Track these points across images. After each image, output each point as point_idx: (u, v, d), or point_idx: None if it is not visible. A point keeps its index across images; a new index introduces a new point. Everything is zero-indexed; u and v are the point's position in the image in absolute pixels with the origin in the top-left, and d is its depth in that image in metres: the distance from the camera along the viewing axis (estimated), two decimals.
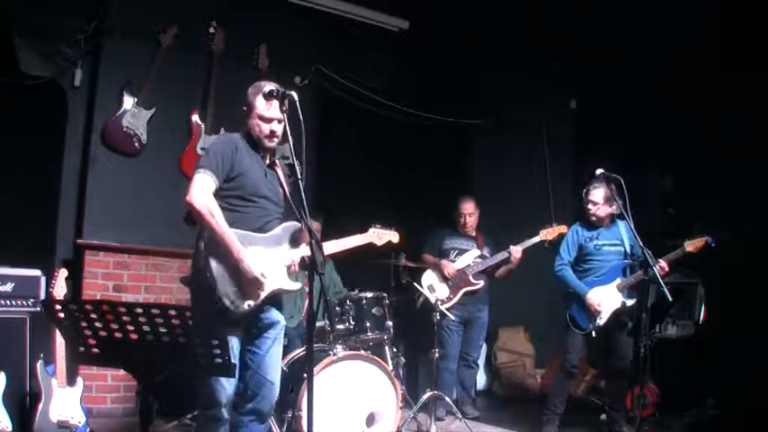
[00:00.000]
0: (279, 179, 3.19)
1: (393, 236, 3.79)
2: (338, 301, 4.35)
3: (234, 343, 2.94)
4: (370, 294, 4.33)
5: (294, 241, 3.19)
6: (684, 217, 5.66)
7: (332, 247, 3.47)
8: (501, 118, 6.73)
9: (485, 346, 6.00)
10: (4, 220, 4.46)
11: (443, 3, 5.81)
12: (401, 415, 4.12)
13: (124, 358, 2.26)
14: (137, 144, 4.97)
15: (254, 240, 3.02)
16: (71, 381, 3.73)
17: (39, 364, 3.66)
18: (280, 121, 3.07)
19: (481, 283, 5.23)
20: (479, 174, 6.96)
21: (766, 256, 4.79)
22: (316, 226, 4.29)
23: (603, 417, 4.89)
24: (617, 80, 6.15)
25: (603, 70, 6.28)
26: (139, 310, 2.10)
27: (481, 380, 6.27)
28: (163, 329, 2.12)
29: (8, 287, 3.87)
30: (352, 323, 4.20)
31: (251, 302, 2.98)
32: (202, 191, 2.91)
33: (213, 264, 2.90)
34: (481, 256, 5.29)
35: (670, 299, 3.84)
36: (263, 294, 3.00)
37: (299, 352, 4.05)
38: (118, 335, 2.15)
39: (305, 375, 2.71)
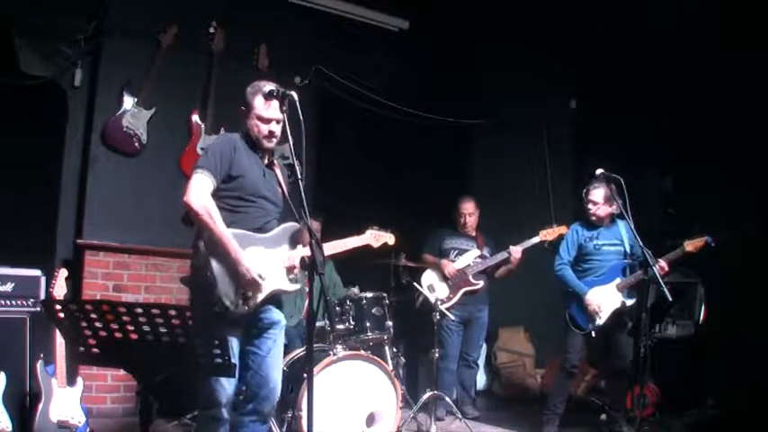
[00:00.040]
0: (277, 179, 3.19)
1: (389, 238, 3.80)
2: (338, 301, 4.35)
3: (234, 343, 2.94)
4: (370, 294, 4.34)
5: (293, 242, 3.19)
6: (684, 217, 5.65)
7: (329, 248, 3.47)
8: (501, 118, 6.73)
9: (485, 346, 6.00)
10: (4, 220, 4.46)
11: (443, 3, 5.81)
12: (401, 415, 4.12)
13: (124, 358, 2.26)
14: (137, 144, 4.97)
15: (254, 241, 3.02)
16: (71, 381, 3.73)
17: (39, 364, 3.66)
18: (278, 122, 3.07)
19: (481, 283, 5.23)
20: (479, 174, 6.96)
21: (766, 256, 4.79)
22: (315, 226, 4.28)
23: (603, 417, 4.89)
24: (617, 80, 6.15)
25: (603, 70, 6.28)
26: (139, 310, 2.10)
27: (481, 380, 6.27)
28: (163, 329, 2.12)
29: (8, 287, 3.87)
30: (352, 323, 4.20)
31: (250, 303, 2.98)
32: (200, 191, 2.90)
33: (214, 264, 2.90)
34: (481, 256, 5.29)
35: (670, 299, 3.84)
36: (260, 296, 3.00)
37: (299, 352, 4.05)
38: (118, 335, 2.15)
39: (305, 375, 2.71)
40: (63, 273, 3.84)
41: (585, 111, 6.80)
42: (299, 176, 2.76)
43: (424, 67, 6.39)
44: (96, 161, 4.88)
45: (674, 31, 5.26)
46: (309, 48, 5.79)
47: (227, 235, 2.90)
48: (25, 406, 3.71)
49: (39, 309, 3.86)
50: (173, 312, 2.09)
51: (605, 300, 4.34)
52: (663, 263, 4.12)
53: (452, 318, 5.04)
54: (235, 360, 2.83)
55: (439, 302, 4.66)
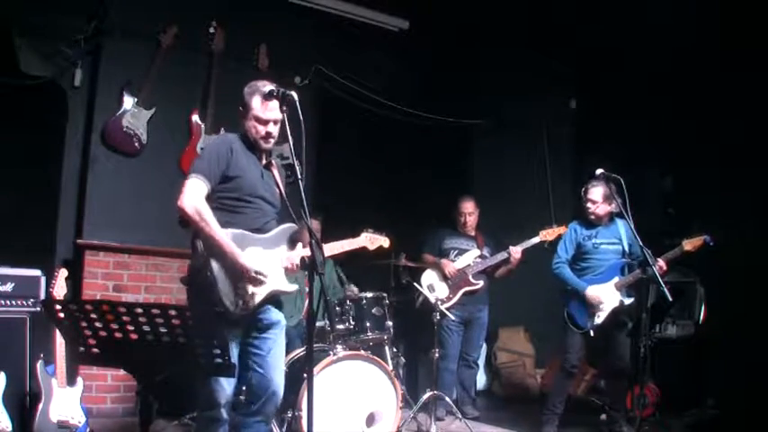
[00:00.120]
0: (275, 179, 3.19)
1: (384, 241, 3.81)
2: (338, 301, 4.35)
3: (233, 343, 2.94)
4: (370, 294, 4.34)
5: (292, 242, 3.19)
6: (684, 217, 5.66)
7: (325, 250, 3.47)
8: (501, 118, 6.73)
9: (485, 346, 6.00)
10: (4, 220, 4.46)
11: (443, 3, 5.81)
12: (401, 415, 4.12)
13: (124, 358, 2.26)
14: (137, 144, 4.97)
15: (253, 241, 3.03)
16: (71, 381, 3.73)
17: (39, 364, 3.66)
18: (276, 123, 3.06)
19: (481, 283, 5.24)
20: (479, 174, 6.96)
21: (766, 256, 4.79)
22: (315, 225, 4.29)
23: (603, 417, 4.89)
24: (617, 80, 6.15)
25: (603, 70, 6.28)
26: (139, 310, 2.10)
27: (481, 380, 6.27)
28: (163, 329, 2.12)
29: (8, 287, 3.87)
30: (352, 323, 4.20)
31: (250, 303, 2.98)
32: (192, 195, 2.90)
33: (213, 264, 2.90)
34: (481, 256, 5.29)
35: (670, 299, 3.84)
36: (259, 297, 3.00)
37: (299, 352, 4.05)
38: (118, 335, 2.15)
39: (305, 375, 2.71)
40: (63, 273, 3.84)
41: (585, 111, 6.80)
42: (299, 176, 2.75)
43: (424, 67, 6.39)
44: (96, 161, 4.88)
45: (674, 31, 5.26)
46: (309, 48, 5.79)
47: (223, 235, 2.90)
48: (25, 406, 3.71)
49: (39, 309, 3.86)
50: (173, 312, 2.09)
51: (604, 298, 4.35)
52: (661, 262, 4.13)
53: (452, 318, 5.05)
54: (234, 360, 2.83)
55: (439, 302, 4.66)
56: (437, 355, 4.58)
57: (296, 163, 2.72)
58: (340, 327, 4.17)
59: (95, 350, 2.21)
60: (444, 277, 5.22)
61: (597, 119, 6.53)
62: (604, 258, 4.47)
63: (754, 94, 5.05)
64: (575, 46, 6.20)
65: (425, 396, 4.52)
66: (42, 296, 3.92)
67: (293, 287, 3.19)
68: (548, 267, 4.62)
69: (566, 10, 5.63)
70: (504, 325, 6.42)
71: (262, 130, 3.07)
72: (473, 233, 5.41)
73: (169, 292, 4.98)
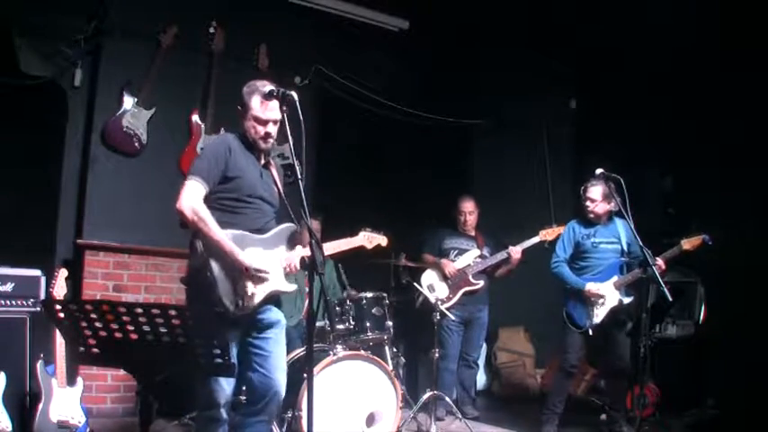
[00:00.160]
0: (273, 179, 3.19)
1: (382, 239, 3.81)
2: (338, 301, 4.35)
3: (232, 343, 2.94)
4: (370, 294, 4.33)
5: (291, 242, 3.19)
6: (684, 217, 5.66)
7: (323, 249, 3.47)
8: (501, 118, 6.73)
9: (485, 346, 6.00)
10: (4, 220, 4.46)
11: (443, 3, 5.81)
12: (401, 415, 4.12)
13: (124, 358, 2.26)
14: (137, 144, 4.97)
15: (252, 242, 3.03)
16: (71, 381, 3.73)
17: (39, 364, 3.66)
18: (275, 123, 3.05)
19: (481, 282, 5.24)
20: (479, 174, 6.96)
21: (766, 256, 4.79)
22: (315, 225, 4.29)
23: (603, 417, 4.89)
24: (617, 80, 6.15)
25: (603, 70, 6.28)
26: (139, 310, 2.10)
27: (481, 380, 6.27)
28: (163, 329, 2.12)
29: (8, 287, 3.88)
30: (352, 323, 4.20)
31: (250, 304, 2.98)
32: (190, 197, 2.90)
33: (213, 264, 2.90)
34: (481, 256, 5.29)
35: (670, 299, 3.84)
36: (258, 298, 3.00)
37: (299, 352, 4.05)
38: (118, 335, 2.15)
39: (305, 375, 2.72)
40: (63, 273, 3.84)
41: (585, 111, 6.80)
42: (299, 176, 2.75)
43: (424, 67, 6.39)
44: (96, 161, 4.88)
45: (674, 31, 5.26)
46: (309, 48, 5.79)
47: (223, 236, 2.90)
48: (25, 406, 3.71)
49: (39, 309, 3.87)
50: (173, 312, 2.09)
51: (603, 295, 4.35)
52: (660, 261, 4.12)
53: (452, 318, 5.05)
54: (234, 360, 2.83)
55: (439, 302, 4.66)
56: (437, 355, 4.58)
57: (296, 163, 2.72)
58: (340, 327, 4.17)
59: (95, 350, 2.21)
60: (444, 277, 5.22)
61: (597, 119, 6.53)
62: (603, 257, 4.47)
63: (754, 94, 5.05)
64: (575, 46, 6.21)
65: (425, 396, 4.52)
66: (42, 296, 3.92)
67: (293, 287, 3.19)
68: (548, 267, 4.62)
69: (566, 10, 5.63)
70: (504, 325, 6.42)
71: (261, 130, 3.06)
72: (473, 233, 5.41)
73: (169, 292, 4.98)
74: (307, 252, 2.95)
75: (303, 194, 2.75)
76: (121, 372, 3.80)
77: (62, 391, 3.68)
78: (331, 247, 3.52)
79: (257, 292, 3.00)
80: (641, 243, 3.97)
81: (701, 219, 4.88)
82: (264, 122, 3.05)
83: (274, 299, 3.12)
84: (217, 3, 5.41)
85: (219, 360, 2.21)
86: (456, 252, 5.31)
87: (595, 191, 4.46)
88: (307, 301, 4.52)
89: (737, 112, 5.32)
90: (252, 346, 3.08)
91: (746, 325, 4.90)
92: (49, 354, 3.71)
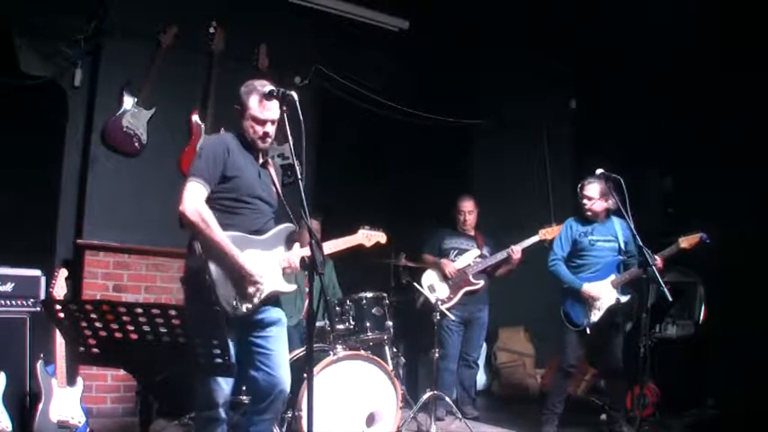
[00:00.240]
0: (272, 178, 3.18)
1: (381, 237, 3.80)
2: (338, 301, 4.35)
3: (231, 343, 2.93)
4: (370, 294, 4.33)
5: (289, 243, 3.19)
6: (684, 217, 5.66)
7: (323, 248, 3.47)
8: (501, 118, 6.73)
9: (485, 346, 6.00)
10: (4, 220, 4.46)
11: (443, 3, 5.81)
12: (401, 415, 4.12)
13: (124, 358, 2.26)
14: (137, 144, 4.97)
15: (251, 243, 3.02)
16: (71, 381, 3.73)
17: (39, 364, 3.66)
18: (273, 122, 3.05)
19: (481, 282, 5.24)
20: (479, 174, 6.96)
21: (766, 255, 4.79)
22: (315, 226, 4.29)
23: (603, 417, 4.89)
24: (617, 80, 6.15)
25: (603, 70, 6.28)
26: (139, 310, 2.10)
27: (481, 380, 6.27)
28: (163, 329, 2.12)
29: (8, 287, 3.88)
30: (352, 323, 4.20)
31: (249, 305, 2.98)
32: (194, 199, 2.90)
33: (212, 266, 2.90)
34: (481, 256, 5.29)
35: (670, 299, 3.84)
36: (257, 299, 3.00)
37: (298, 352, 4.05)
38: (118, 335, 2.15)
39: (305, 375, 2.72)
40: (63, 273, 3.84)
41: (585, 111, 6.80)
42: (299, 176, 2.75)
43: (424, 67, 6.39)
44: (96, 161, 4.88)
45: (674, 31, 5.26)
46: (309, 48, 5.79)
47: (225, 240, 2.91)
48: (25, 406, 3.71)
49: (39, 309, 3.87)
50: (173, 312, 2.09)
51: (600, 295, 4.35)
52: (657, 259, 4.12)
53: (452, 318, 5.05)
54: (233, 360, 2.83)
55: (439, 303, 4.66)
56: (437, 355, 4.58)
57: (296, 163, 2.72)
58: (340, 327, 4.17)
59: (95, 350, 2.21)
60: (444, 277, 5.21)
61: (597, 119, 6.53)
62: (600, 255, 4.47)
63: (754, 94, 5.05)
64: (575, 46, 6.20)
65: (425, 396, 4.52)
66: (42, 296, 3.92)
67: (292, 287, 3.19)
68: (546, 266, 4.62)
69: (566, 10, 5.63)
70: (504, 325, 6.42)
71: (259, 129, 3.05)
72: (473, 233, 5.41)
73: (169, 292, 4.98)
74: (306, 252, 2.95)
75: (303, 194, 2.75)
76: (121, 372, 3.80)
77: (62, 391, 3.68)
78: (330, 247, 3.52)
79: (256, 295, 3.00)
80: (641, 243, 3.97)
81: (701, 219, 4.87)
82: (263, 122, 3.04)
83: (273, 299, 3.12)
84: (217, 3, 5.41)
85: (219, 360, 2.21)
86: (456, 252, 5.31)
87: (592, 188, 4.46)
88: (307, 302, 4.52)
89: (737, 112, 5.32)
90: (254, 345, 3.08)
91: (746, 325, 4.90)
92: (49, 354, 3.71)
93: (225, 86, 5.11)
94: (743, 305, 5.03)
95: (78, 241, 4.78)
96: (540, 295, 5.60)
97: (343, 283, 5.14)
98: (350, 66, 6.05)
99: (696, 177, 5.83)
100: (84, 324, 2.15)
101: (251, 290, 2.97)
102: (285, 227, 3.16)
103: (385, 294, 4.40)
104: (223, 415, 3.00)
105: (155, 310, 2.09)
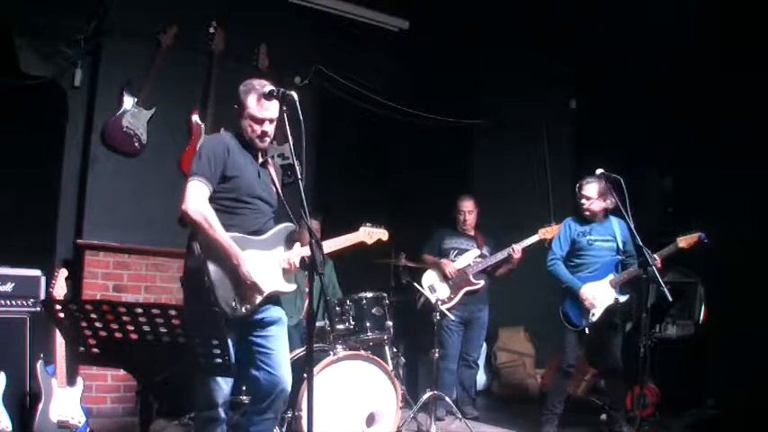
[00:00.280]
0: (272, 178, 3.18)
1: (383, 234, 3.78)
2: (338, 301, 4.35)
3: (231, 343, 2.93)
4: (370, 294, 4.33)
5: (289, 242, 3.19)
6: (684, 217, 5.66)
7: (324, 247, 3.46)
8: (501, 118, 6.73)
9: (485, 346, 6.00)
10: (4, 220, 4.46)
11: (443, 3, 5.81)
12: (401, 415, 4.12)
13: (124, 358, 2.26)
14: (137, 144, 4.97)
15: (250, 244, 3.02)
16: (71, 381, 3.73)
17: (39, 364, 3.66)
18: (272, 122, 3.05)
19: (482, 282, 5.24)
20: (479, 174, 6.96)
21: (766, 256, 4.79)
22: (314, 225, 4.29)
23: (603, 417, 4.89)
24: (617, 80, 6.15)
25: (603, 70, 6.28)
26: (139, 310, 2.10)
27: (481, 380, 6.27)
28: (163, 329, 2.12)
29: (8, 287, 3.87)
30: (352, 323, 4.20)
31: (248, 306, 2.98)
32: (197, 199, 2.90)
33: (211, 267, 2.90)
34: (481, 256, 5.29)
35: (670, 299, 3.84)
36: (257, 300, 3.00)
37: (298, 352, 4.05)
38: (118, 335, 2.15)
39: (305, 375, 2.72)
40: (63, 273, 3.84)
41: (585, 111, 6.80)
42: (299, 176, 2.75)
43: (424, 67, 6.39)
44: (96, 161, 4.88)
45: (674, 31, 5.26)
46: (309, 48, 5.79)
47: (228, 241, 2.91)
48: (25, 406, 3.71)
49: (39, 309, 3.86)
50: (173, 312, 2.09)
51: (599, 295, 4.35)
52: (657, 259, 4.12)
53: (453, 318, 5.05)
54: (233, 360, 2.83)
55: (440, 303, 4.66)
56: (437, 355, 4.58)
57: (296, 163, 2.71)
58: (340, 327, 4.17)
59: (95, 350, 2.21)
60: (445, 278, 5.21)
61: (597, 119, 6.53)
62: (599, 255, 4.47)
63: (754, 94, 5.05)
64: (575, 46, 6.20)
65: (425, 396, 4.52)
66: (42, 296, 3.92)
67: (292, 287, 3.19)
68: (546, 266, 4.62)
69: (566, 10, 5.63)
70: (504, 325, 6.42)
71: (257, 128, 3.05)
72: (472, 233, 5.41)
73: (169, 292, 4.98)
74: (306, 251, 2.95)
75: (303, 194, 2.75)
76: (121, 372, 3.80)
77: (62, 391, 3.68)
78: (332, 245, 3.52)
79: (255, 297, 3.00)
80: (641, 243, 3.97)
81: (701, 219, 4.88)
82: (261, 121, 3.04)
83: (274, 298, 3.12)
84: (217, 3, 5.41)
85: (219, 360, 2.21)
86: (456, 252, 5.31)
87: (591, 188, 4.46)
88: (306, 301, 4.52)
89: (737, 112, 5.32)
90: (255, 345, 3.08)
91: (746, 325, 4.90)
92: (49, 354, 3.71)
93: (225, 86, 5.11)
94: (743, 305, 5.03)
95: (78, 241, 4.78)
96: (540, 295, 5.59)
97: (343, 283, 5.14)
98: (350, 66, 6.05)
99: (696, 177, 5.83)
100: (84, 324, 2.15)
101: (249, 292, 2.97)
102: (285, 226, 3.16)
103: (385, 294, 4.40)
104: (222, 415, 3.00)
105: (155, 310, 2.09)
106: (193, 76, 5.24)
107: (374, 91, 6.14)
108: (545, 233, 5.04)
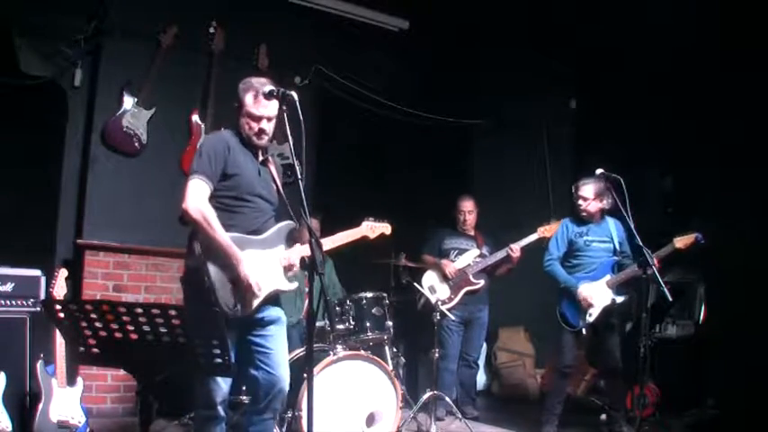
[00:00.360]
0: (272, 176, 3.18)
1: (386, 228, 3.76)
2: (338, 301, 4.35)
3: (231, 343, 2.93)
4: (370, 294, 4.33)
5: (290, 241, 3.18)
6: (684, 217, 5.66)
7: (327, 243, 3.46)
8: (501, 118, 6.73)
9: (485, 346, 6.00)
10: (4, 220, 4.46)
11: (443, 3, 5.81)
12: (401, 415, 4.12)
13: (124, 358, 2.26)
14: (137, 144, 4.97)
15: (250, 243, 3.02)
16: (71, 381, 3.73)
17: (39, 364, 3.66)
18: (269, 119, 3.05)
19: (482, 282, 5.24)
20: (479, 174, 6.96)
21: (766, 256, 4.79)
22: (314, 225, 4.29)
23: (603, 417, 4.89)
24: (617, 80, 6.15)
25: (603, 70, 6.28)
26: (139, 310, 2.10)
27: (481, 380, 6.27)
28: (163, 329, 2.12)
29: (8, 287, 3.87)
30: (352, 323, 4.20)
31: (248, 306, 2.98)
32: (197, 198, 2.90)
33: (211, 268, 2.90)
34: (481, 255, 5.29)
35: (670, 299, 3.84)
36: (257, 300, 3.00)
37: (298, 352, 4.05)
38: (118, 335, 2.15)
39: (305, 375, 2.72)
40: (63, 273, 3.84)
41: (585, 111, 6.80)
42: (299, 176, 2.75)
43: (424, 67, 6.39)
44: (96, 161, 4.88)
45: (674, 31, 5.26)
46: (309, 48, 5.79)
47: (227, 240, 2.90)
48: (25, 406, 3.71)
49: (39, 309, 3.86)
50: (173, 312, 2.09)
51: (596, 296, 4.35)
52: (654, 259, 4.12)
53: (453, 318, 5.05)
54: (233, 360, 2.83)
55: (440, 303, 4.66)
56: (437, 355, 4.58)
57: (296, 163, 2.71)
58: (340, 327, 4.17)
59: (95, 350, 2.21)
60: (445, 278, 5.21)
61: (597, 119, 6.53)
62: (596, 256, 4.47)
63: (754, 94, 5.05)
64: (575, 46, 6.20)
65: (425, 396, 4.52)
66: (42, 296, 3.92)
67: (292, 285, 3.19)
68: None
69: (566, 10, 5.63)
70: (504, 325, 6.42)
71: (254, 126, 3.05)
72: (472, 233, 5.41)
73: (169, 292, 4.98)
74: (306, 250, 2.95)
75: (303, 194, 2.75)
76: (121, 372, 3.80)
77: (62, 391, 3.68)
78: (335, 240, 3.51)
79: (255, 297, 3.00)
80: (641, 243, 3.97)
81: (701, 219, 4.88)
82: (257, 118, 3.04)
83: (273, 298, 3.12)
84: (217, 3, 5.41)
85: (219, 360, 2.21)
86: (456, 252, 5.31)
87: (587, 189, 4.46)
88: (306, 301, 4.52)
89: (737, 112, 5.31)
90: (254, 344, 3.08)
91: (746, 325, 4.90)
92: (49, 354, 3.71)
93: (225, 86, 5.10)
94: (743, 305, 5.03)
95: (78, 241, 4.78)
96: (540, 295, 5.58)
97: (344, 283, 5.14)
98: (350, 66, 6.05)
99: (696, 177, 5.83)
100: (84, 324, 2.15)
101: (248, 293, 2.97)
102: (285, 224, 3.16)
103: (385, 294, 4.40)
104: (222, 413, 3.00)
105: (155, 310, 2.09)
106: (193, 76, 5.24)
107: (374, 91, 6.14)
108: (544, 232, 5.04)
